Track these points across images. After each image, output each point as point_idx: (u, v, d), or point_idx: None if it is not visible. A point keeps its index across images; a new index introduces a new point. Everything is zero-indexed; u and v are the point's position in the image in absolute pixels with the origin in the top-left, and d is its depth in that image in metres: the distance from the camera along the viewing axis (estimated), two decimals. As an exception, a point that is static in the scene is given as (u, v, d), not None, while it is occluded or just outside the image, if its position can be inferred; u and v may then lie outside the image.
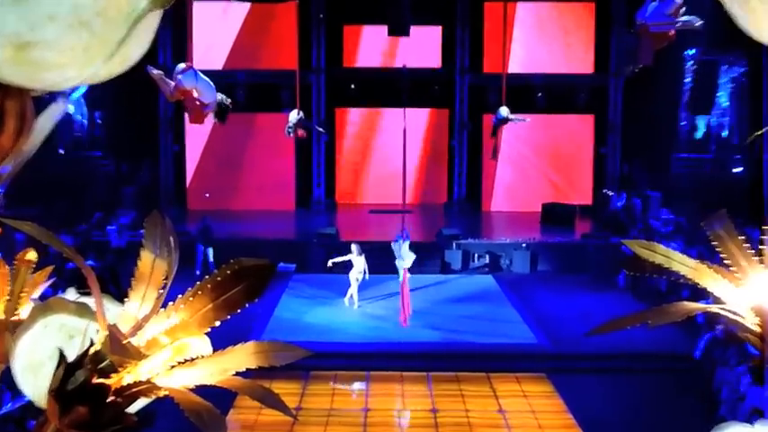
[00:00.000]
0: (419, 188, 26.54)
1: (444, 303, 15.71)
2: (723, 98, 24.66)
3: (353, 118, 27.16)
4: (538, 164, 26.19)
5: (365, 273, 14.87)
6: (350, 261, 15.04)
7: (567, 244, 19.77)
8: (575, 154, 26.16)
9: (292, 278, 17.96)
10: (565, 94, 25.15)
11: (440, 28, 25.70)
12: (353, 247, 14.93)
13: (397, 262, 13.73)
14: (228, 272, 3.27)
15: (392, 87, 24.67)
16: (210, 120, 10.33)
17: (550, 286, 17.49)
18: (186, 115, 10.60)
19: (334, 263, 15.14)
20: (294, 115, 16.48)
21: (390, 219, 19.58)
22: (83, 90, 20.51)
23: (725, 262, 3.81)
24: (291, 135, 16.43)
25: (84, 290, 3.34)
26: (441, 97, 25.79)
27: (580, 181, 26.21)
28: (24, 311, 3.95)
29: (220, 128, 24.32)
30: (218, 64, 24.38)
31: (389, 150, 26.29)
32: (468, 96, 25.56)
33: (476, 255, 19.58)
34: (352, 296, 15.12)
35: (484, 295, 16.60)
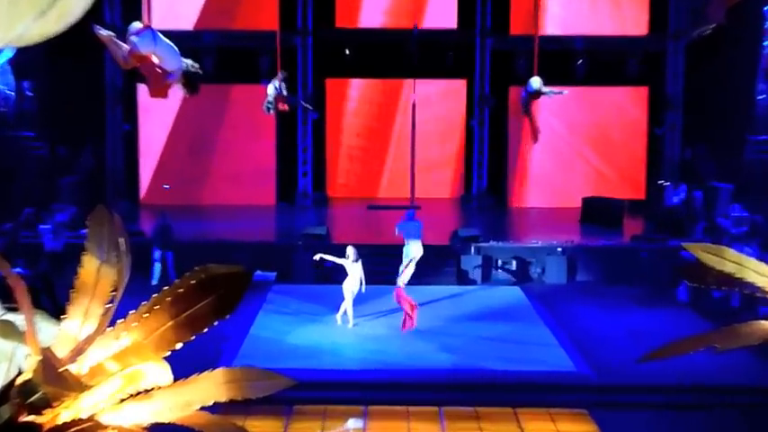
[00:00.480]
0: (430, 179, 26.56)
1: (461, 321, 15.69)
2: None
3: (349, 91, 27.19)
4: (577, 148, 26.24)
5: (362, 283, 14.89)
6: (343, 268, 15.05)
7: (614, 248, 19.77)
8: (623, 136, 26.18)
9: (272, 289, 17.95)
10: (612, 62, 25.19)
11: (456, -21, 25.76)
12: (349, 250, 14.94)
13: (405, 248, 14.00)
14: (193, 282, 3.27)
15: (398, 54, 24.70)
16: (176, 93, 10.33)
17: (593, 300, 17.46)
18: (142, 88, 10.61)
19: (322, 258, 15.17)
20: (274, 87, 16.47)
21: (394, 217, 19.55)
22: (8, 54, 20.49)
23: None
24: (271, 112, 16.45)
25: (10, 304, 3.32)
26: (458, 66, 25.86)
27: (630, 169, 26.23)
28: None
29: (183, 103, 24.51)
30: (182, 23, 24.39)
31: (394, 132, 26.34)
32: (491, 64, 25.62)
33: (500, 261, 19.55)
34: (345, 312, 15.14)
35: (510, 311, 16.57)
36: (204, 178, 25.82)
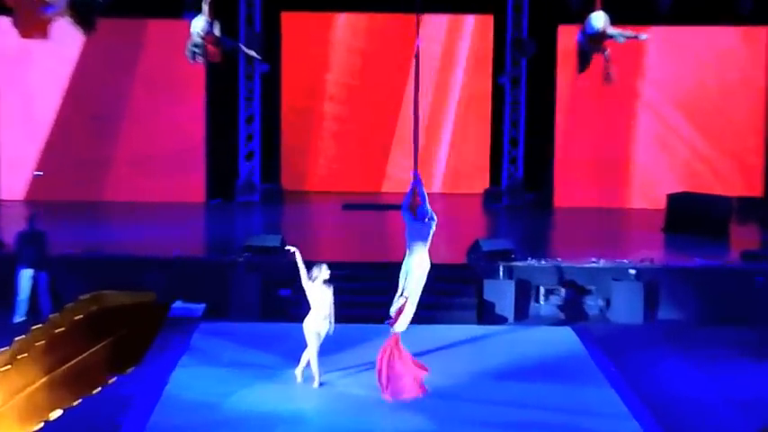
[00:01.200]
0: (438, 164, 26.57)
1: (482, 380, 15.67)
2: None
3: (317, 32, 27.17)
4: (660, 120, 26.30)
5: (331, 321, 14.87)
6: (304, 296, 15.03)
7: (715, 270, 19.80)
8: (732, 103, 26.25)
9: (199, 329, 17.94)
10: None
11: None
12: (317, 271, 14.90)
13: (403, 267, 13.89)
14: (80, 318, 3.23)
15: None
16: (60, 32, 10.24)
17: (681, 349, 17.51)
18: (5, 23, 10.50)
19: (293, 252, 15.01)
20: (204, 23, 16.41)
21: (380, 221, 19.56)
22: None
23: None
24: (198, 59, 16.36)
25: None
26: (480, -6, 25.97)
27: (740, 152, 26.29)
28: None
29: (68, 49, 24.59)
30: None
31: (385, 95, 26.34)
32: (532, -7, 25.76)
33: (542, 289, 19.60)
34: (308, 364, 15.13)
35: (557, 364, 16.57)
36: (100, 163, 25.79)
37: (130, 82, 25.72)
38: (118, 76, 25.67)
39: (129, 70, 25.70)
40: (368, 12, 26.58)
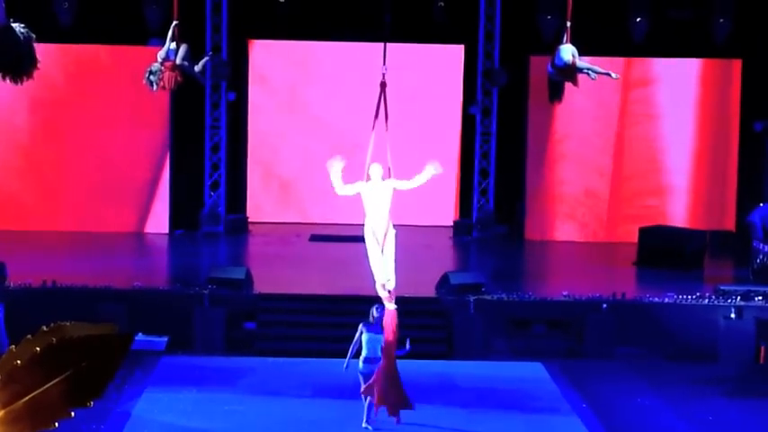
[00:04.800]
0: (407, 196, 26.53)
1: (451, 417, 15.69)
2: None
3: (284, 60, 27.19)
4: (635, 154, 26.36)
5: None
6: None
7: (688, 306, 19.84)
8: (702, 133, 26.37)
9: (162, 363, 17.85)
10: (687, 21, 25.40)
11: None
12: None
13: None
14: (38, 350, 3.20)
15: (360, 3, 24.69)
16: None
17: (655, 386, 17.54)
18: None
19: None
20: (165, 52, 16.38)
21: (351, 252, 19.54)
22: None
23: None
24: (156, 87, 16.32)
25: None
26: (452, 23, 26.00)
27: (712, 185, 26.40)
28: None
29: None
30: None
31: (350, 124, 26.33)
32: (502, 22, 25.80)
33: (512, 323, 19.58)
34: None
35: (528, 399, 16.59)
36: (60, 192, 25.64)
37: (94, 109, 25.61)
38: (81, 103, 25.57)
39: (92, 97, 25.60)
40: (333, 41, 26.55)
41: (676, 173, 26.35)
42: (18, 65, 9.89)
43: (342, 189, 14.15)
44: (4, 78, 9.87)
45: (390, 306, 14.12)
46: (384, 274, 14.00)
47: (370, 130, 14.68)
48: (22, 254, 21.19)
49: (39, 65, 10.11)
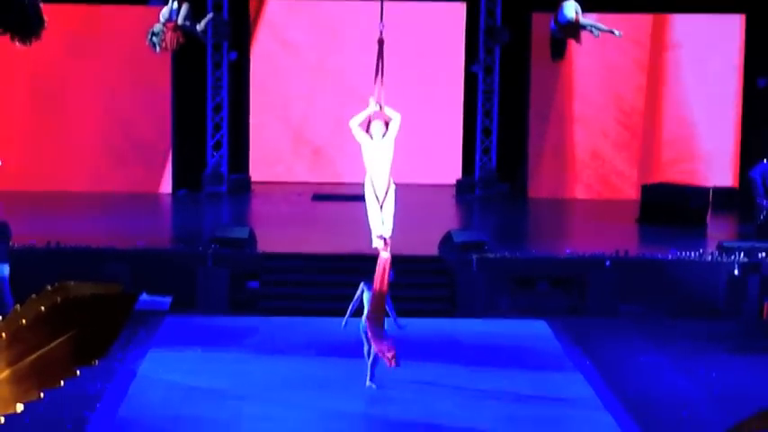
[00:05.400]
0: (408, 154, 26.50)
1: (455, 375, 15.70)
2: None
3: (284, 17, 27.10)
4: (636, 110, 26.30)
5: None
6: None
7: (691, 262, 19.85)
8: (703, 90, 26.30)
9: (166, 323, 17.90)
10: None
11: None
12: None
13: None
14: (44, 309, 3.21)
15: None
16: None
17: (656, 342, 17.57)
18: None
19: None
20: (169, 11, 16.32)
21: (354, 211, 19.52)
22: None
23: None
24: (159, 48, 16.26)
25: None
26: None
27: (716, 141, 26.35)
28: None
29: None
30: None
31: (353, 82, 26.25)
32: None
33: (515, 281, 19.61)
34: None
35: (531, 357, 16.66)
36: (62, 152, 25.61)
37: (95, 70, 25.54)
38: (82, 64, 25.49)
39: (93, 58, 25.51)
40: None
41: (679, 130, 26.28)
42: (25, 26, 9.88)
43: (355, 127, 14.13)
44: (12, 40, 9.87)
45: (384, 254, 14.15)
46: (381, 226, 14.03)
47: (371, 86, 14.63)
48: (25, 214, 21.21)
49: (46, 25, 10.11)
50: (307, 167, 27.27)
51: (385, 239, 14.05)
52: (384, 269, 14.12)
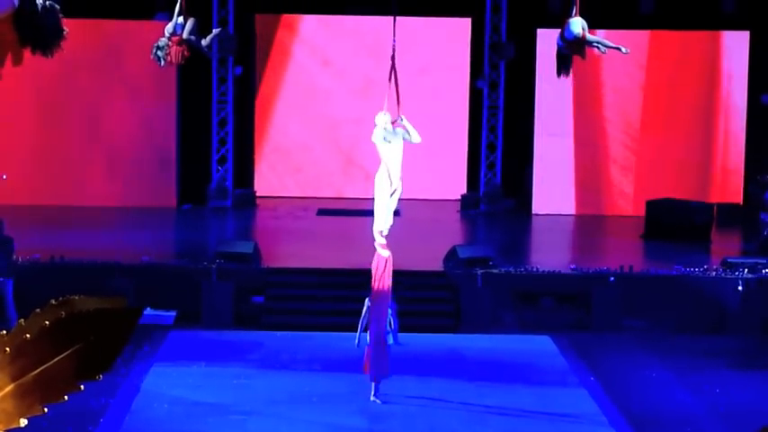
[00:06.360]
0: (414, 169, 26.47)
1: (459, 390, 15.68)
2: None
3: (291, 34, 27.12)
4: (641, 126, 26.30)
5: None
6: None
7: (695, 278, 19.83)
8: (707, 106, 26.29)
9: (170, 337, 17.88)
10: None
11: None
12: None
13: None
14: (48, 323, 3.20)
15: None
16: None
17: (661, 358, 17.55)
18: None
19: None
20: (174, 26, 16.34)
21: (358, 226, 19.54)
22: None
23: None
24: (164, 62, 16.27)
25: None
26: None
27: (721, 158, 26.33)
28: None
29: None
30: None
31: (359, 99, 26.27)
32: (510, -5, 25.78)
33: (520, 296, 19.59)
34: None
35: (535, 373, 16.63)
36: (67, 166, 25.60)
37: (100, 84, 25.55)
38: (87, 78, 25.49)
39: (98, 72, 25.52)
40: (340, 15, 26.48)
41: (684, 146, 26.25)
42: (45, 37, 9.85)
43: (379, 126, 14.54)
44: (33, 52, 9.85)
45: (384, 253, 14.17)
46: (384, 222, 14.10)
47: (382, 102, 14.77)
48: (30, 228, 21.18)
49: (66, 35, 10.09)
50: (316, 180, 27.21)
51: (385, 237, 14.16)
52: (384, 268, 14.17)
